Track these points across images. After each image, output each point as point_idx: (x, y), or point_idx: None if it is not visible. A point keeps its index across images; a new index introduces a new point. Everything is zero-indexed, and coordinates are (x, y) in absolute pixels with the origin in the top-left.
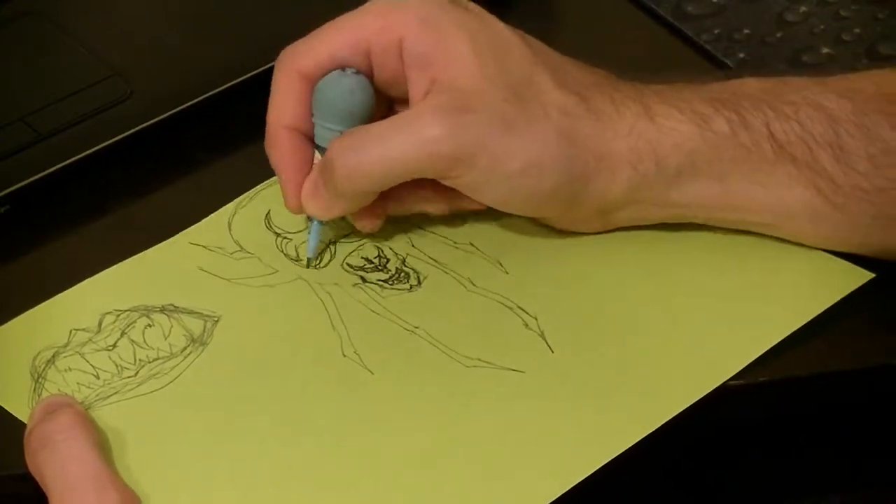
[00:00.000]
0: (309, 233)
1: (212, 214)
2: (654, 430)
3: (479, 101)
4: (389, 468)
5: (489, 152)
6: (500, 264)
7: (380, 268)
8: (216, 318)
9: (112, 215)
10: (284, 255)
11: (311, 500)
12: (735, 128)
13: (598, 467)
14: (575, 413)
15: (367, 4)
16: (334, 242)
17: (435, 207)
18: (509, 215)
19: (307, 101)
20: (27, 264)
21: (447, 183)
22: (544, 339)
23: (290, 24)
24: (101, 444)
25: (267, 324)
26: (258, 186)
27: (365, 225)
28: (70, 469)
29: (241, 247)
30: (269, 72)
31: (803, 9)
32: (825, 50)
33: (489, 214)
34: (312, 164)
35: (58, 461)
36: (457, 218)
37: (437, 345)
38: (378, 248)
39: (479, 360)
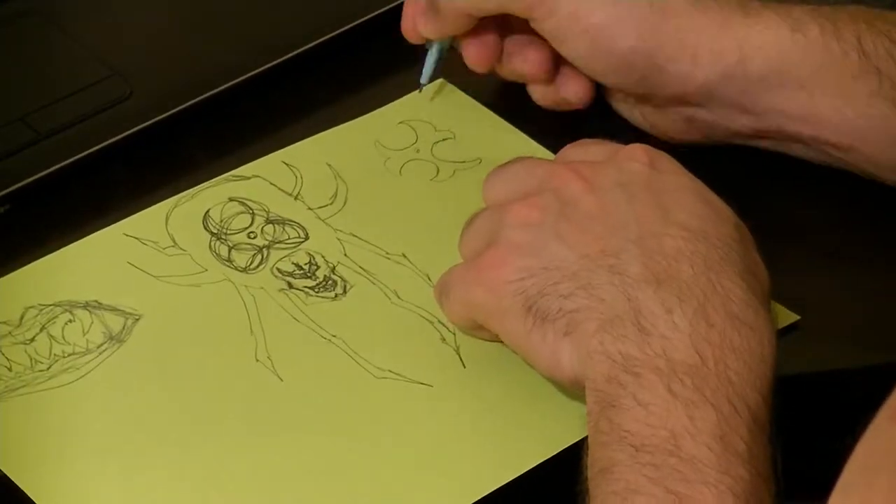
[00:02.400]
0: (427, 59)
1: (151, 207)
2: (556, 453)
3: None
4: (287, 474)
5: (572, 1)
6: (429, 278)
7: (308, 275)
8: (137, 317)
9: (112, 215)
10: (216, 255)
11: (204, 501)
12: (826, 35)
13: (494, 488)
14: (477, 430)
15: None
16: (268, 247)
17: (538, 69)
18: (443, 227)
19: None
20: (27, 264)
21: (536, 26)
22: (458, 354)
23: (291, 24)
24: None
25: (187, 324)
26: (201, 185)
27: (471, 57)
28: None
29: (174, 242)
30: (269, 72)
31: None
32: None
33: (427, 228)
34: None
35: None
36: (393, 229)
37: (351, 354)
38: (310, 254)
39: (390, 371)
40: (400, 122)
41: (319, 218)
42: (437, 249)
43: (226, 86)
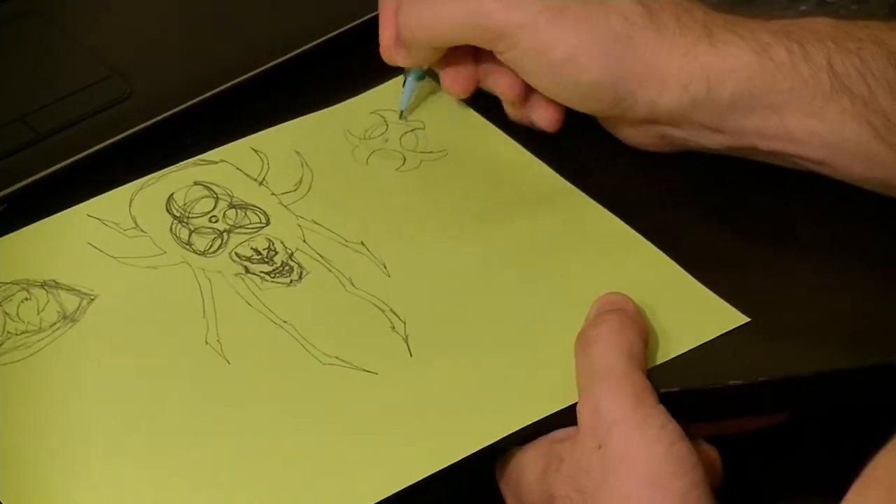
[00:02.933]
0: (403, 86)
1: (115, 189)
2: (491, 443)
3: None
4: (229, 456)
5: (534, 35)
6: (385, 267)
7: (266, 260)
8: (93, 297)
9: None
10: (176, 238)
11: (145, 481)
12: (795, 59)
13: (423, 476)
14: (415, 418)
15: None
16: (228, 232)
17: (511, 92)
18: (403, 216)
19: None
20: None
21: (500, 57)
22: (407, 343)
23: (291, 24)
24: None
25: (141, 305)
26: (168, 168)
27: (446, 83)
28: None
29: (136, 224)
30: (269, 72)
31: (803, 8)
32: None
33: (387, 217)
34: None
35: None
36: (354, 217)
37: (300, 340)
38: (269, 240)
39: (337, 358)
40: (371, 112)
41: (282, 204)
42: (396, 238)
43: (226, 86)
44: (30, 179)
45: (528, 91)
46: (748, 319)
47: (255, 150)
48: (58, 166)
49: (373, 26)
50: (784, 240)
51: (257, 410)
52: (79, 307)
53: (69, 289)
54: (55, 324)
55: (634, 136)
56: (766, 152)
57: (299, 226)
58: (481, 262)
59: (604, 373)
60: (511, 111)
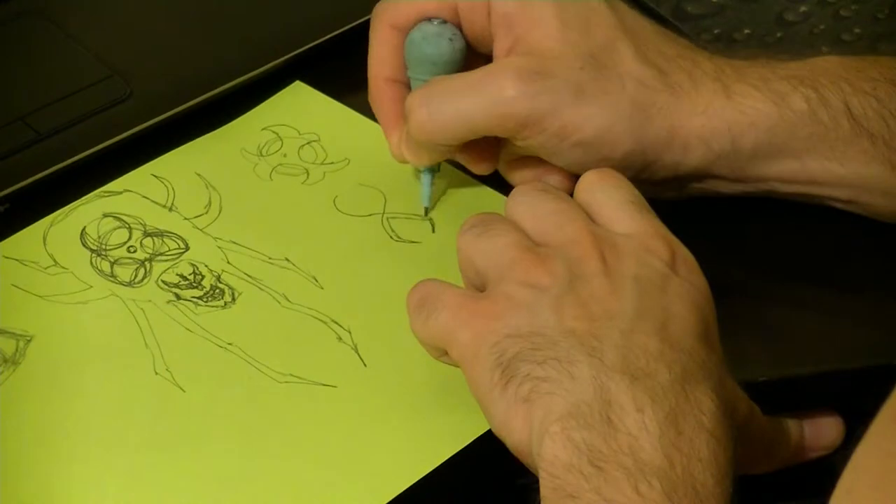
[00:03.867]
0: (421, 183)
1: (26, 228)
2: (466, 445)
3: (557, 67)
4: (197, 483)
5: (559, 119)
6: (315, 279)
7: (194, 285)
8: (29, 338)
9: None
10: (98, 271)
11: None
12: (813, 105)
13: (409, 484)
14: (386, 428)
15: None
16: (150, 260)
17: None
18: (321, 228)
19: (402, 52)
20: None
21: (520, 145)
22: (357, 353)
23: (291, 23)
24: None
25: (80, 342)
26: (75, 202)
27: (479, 168)
28: None
29: (55, 261)
30: (269, 72)
31: (803, 8)
32: (825, 50)
33: (306, 231)
34: None
35: None
36: (273, 234)
37: (249, 361)
38: (193, 265)
39: (292, 375)
40: (263, 129)
41: (197, 227)
42: (320, 251)
43: (226, 86)
44: (30, 179)
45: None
46: None
47: (157, 177)
48: (58, 166)
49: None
50: (784, 240)
51: (223, 435)
52: (17, 350)
53: (2, 332)
54: None
55: (654, 191)
56: (787, 195)
57: (219, 247)
58: (409, 262)
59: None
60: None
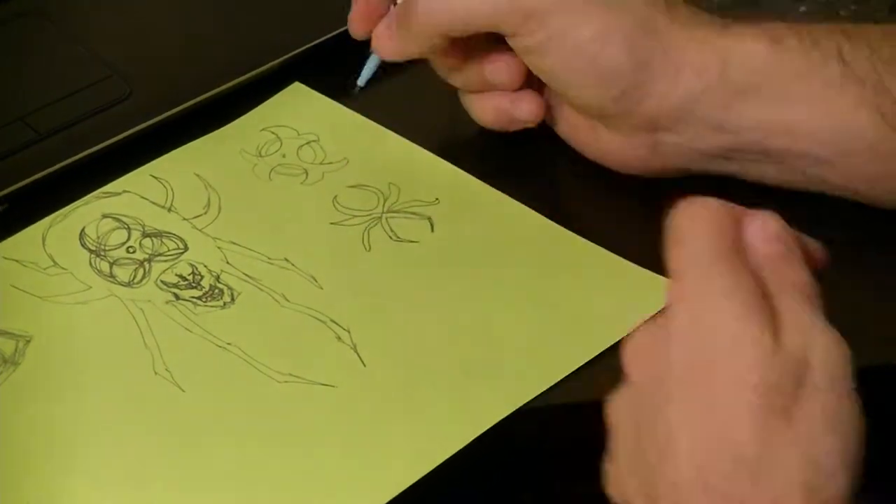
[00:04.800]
0: (366, 62)
1: (25, 229)
2: (466, 444)
3: None
4: (199, 484)
5: (565, 14)
6: (315, 279)
7: (193, 285)
8: (28, 338)
9: None
10: (97, 271)
11: None
12: (805, 45)
13: (408, 485)
14: (385, 428)
15: None
16: (149, 261)
17: (506, 77)
18: (320, 228)
19: None
20: None
21: (514, 42)
22: (356, 352)
23: (290, 24)
24: None
25: (79, 342)
26: (74, 203)
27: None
28: None
29: (54, 262)
30: (268, 72)
31: (803, 8)
32: None
33: (305, 231)
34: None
35: None
36: (272, 234)
37: (249, 361)
38: (192, 265)
39: (291, 374)
40: (262, 129)
41: (196, 228)
42: (319, 251)
43: (226, 86)
44: (30, 179)
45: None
46: None
47: (155, 177)
48: (58, 166)
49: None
50: None
51: (223, 435)
52: (16, 350)
53: (2, 332)
54: None
55: (622, 147)
56: (767, 153)
57: (219, 248)
58: (407, 262)
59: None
60: (488, 111)
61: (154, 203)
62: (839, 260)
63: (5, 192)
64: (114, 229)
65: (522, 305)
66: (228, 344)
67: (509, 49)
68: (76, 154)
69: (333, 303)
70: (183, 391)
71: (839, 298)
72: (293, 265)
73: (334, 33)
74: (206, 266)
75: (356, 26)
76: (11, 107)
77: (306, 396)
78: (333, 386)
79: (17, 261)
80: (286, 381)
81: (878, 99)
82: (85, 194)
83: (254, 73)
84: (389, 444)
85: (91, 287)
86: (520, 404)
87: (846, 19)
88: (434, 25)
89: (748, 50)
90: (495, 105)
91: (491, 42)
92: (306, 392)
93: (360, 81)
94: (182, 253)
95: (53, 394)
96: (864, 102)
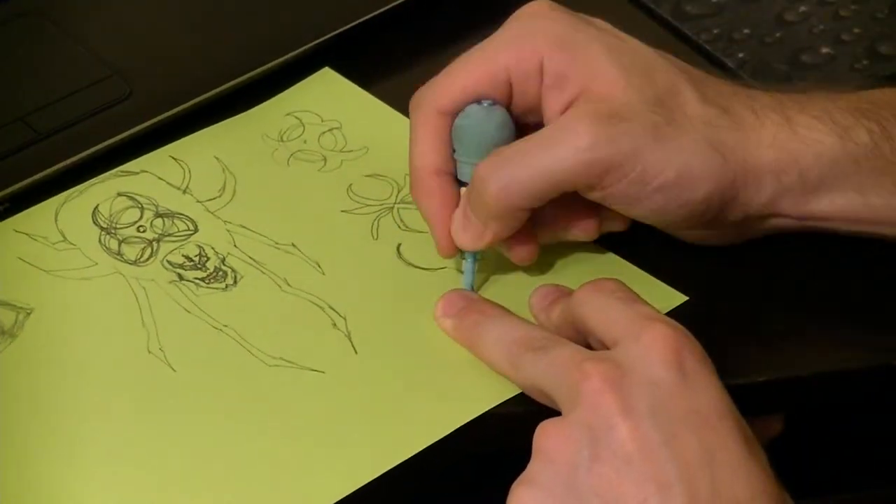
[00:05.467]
0: (463, 271)
1: (39, 204)
2: (444, 435)
3: (629, 110)
4: (181, 463)
5: (643, 160)
6: (319, 265)
7: (198, 266)
8: (29, 311)
9: None
10: (106, 249)
11: (98, 491)
12: (876, 139)
13: (384, 470)
14: (368, 416)
15: (496, 36)
16: (158, 240)
17: (584, 231)
18: (331, 215)
19: (449, 139)
20: None
21: (597, 196)
22: (350, 339)
23: (291, 23)
24: None
25: (79, 317)
26: (89, 181)
27: (521, 254)
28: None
29: (64, 237)
30: (269, 72)
31: (803, 8)
32: (825, 50)
33: (315, 217)
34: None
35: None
36: (282, 219)
37: (242, 343)
38: (200, 246)
39: (282, 359)
40: (287, 114)
41: (208, 210)
42: (326, 238)
43: (226, 86)
44: (30, 179)
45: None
46: (686, 298)
47: (175, 159)
48: (58, 166)
49: (373, 26)
50: (783, 239)
51: (208, 417)
52: (16, 322)
53: (4, 304)
54: None
55: (708, 237)
56: (846, 232)
57: (228, 231)
58: (414, 252)
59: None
60: (546, 237)
61: (170, 184)
62: (839, 259)
63: (5, 192)
64: (127, 208)
65: (521, 306)
66: (225, 326)
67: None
68: (76, 154)
69: (334, 289)
70: (174, 371)
71: (839, 299)
72: (299, 250)
73: (334, 33)
74: (213, 248)
75: (444, 248)
76: (11, 107)
77: (294, 381)
78: (322, 372)
79: (27, 234)
80: (276, 365)
81: None
82: None
83: (254, 73)
84: (371, 430)
85: (97, 263)
86: (506, 398)
87: (846, 19)
88: (512, 199)
89: (819, 151)
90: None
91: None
92: (295, 376)
93: (466, 286)
94: (191, 234)
95: (47, 366)
96: None
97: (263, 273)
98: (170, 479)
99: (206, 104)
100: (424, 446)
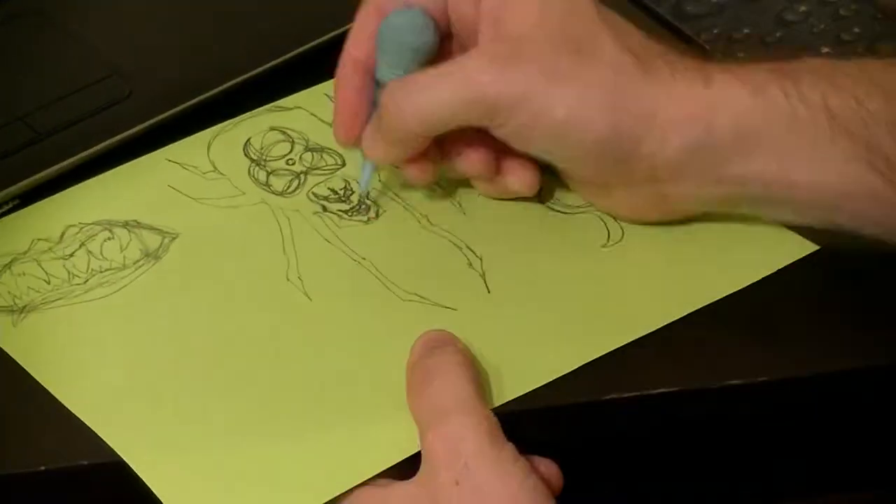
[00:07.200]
0: (362, 169)
1: (193, 135)
2: (568, 371)
3: (531, 51)
4: (310, 390)
5: (533, 100)
6: (460, 205)
7: (343, 199)
8: (174, 235)
9: None
10: (254, 179)
11: (230, 412)
12: (792, 99)
13: (509, 398)
14: (496, 353)
15: None
16: (305, 173)
17: (519, 180)
18: None
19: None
20: None
21: (494, 132)
22: (484, 279)
23: (290, 24)
24: (477, 380)
25: (222, 243)
26: (243, 115)
27: (414, 175)
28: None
29: (214, 167)
30: (268, 72)
31: (803, 8)
32: (825, 49)
33: None
34: (371, 101)
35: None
36: None
37: (379, 277)
38: (346, 180)
39: (416, 294)
40: None
41: (358, 147)
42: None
43: (225, 86)
44: (29, 179)
45: (500, 160)
46: (817, 247)
47: (329, 97)
48: (58, 166)
49: None
50: None
51: (338, 345)
52: (161, 245)
53: (150, 228)
54: (138, 261)
55: (629, 202)
56: (773, 203)
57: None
58: (550, 197)
59: (459, 406)
60: (484, 187)
61: (322, 121)
62: (839, 259)
63: (5, 192)
64: (278, 142)
65: (653, 249)
66: (363, 259)
67: (476, 138)
68: (76, 154)
69: (472, 229)
70: (310, 299)
71: (839, 298)
72: (442, 188)
73: (334, 33)
74: (359, 182)
75: (339, 133)
76: (11, 107)
77: (427, 317)
78: (454, 309)
79: (179, 163)
80: (410, 300)
81: (869, 155)
82: None
83: (254, 73)
84: (497, 367)
85: (244, 193)
86: (632, 338)
87: (846, 19)
88: (408, 126)
89: (729, 103)
90: (486, 187)
91: (462, 135)
92: (427, 312)
93: (362, 189)
94: (339, 168)
95: (185, 289)
96: (856, 157)
97: (406, 209)
98: (300, 404)
99: (206, 104)
100: (543, 383)
